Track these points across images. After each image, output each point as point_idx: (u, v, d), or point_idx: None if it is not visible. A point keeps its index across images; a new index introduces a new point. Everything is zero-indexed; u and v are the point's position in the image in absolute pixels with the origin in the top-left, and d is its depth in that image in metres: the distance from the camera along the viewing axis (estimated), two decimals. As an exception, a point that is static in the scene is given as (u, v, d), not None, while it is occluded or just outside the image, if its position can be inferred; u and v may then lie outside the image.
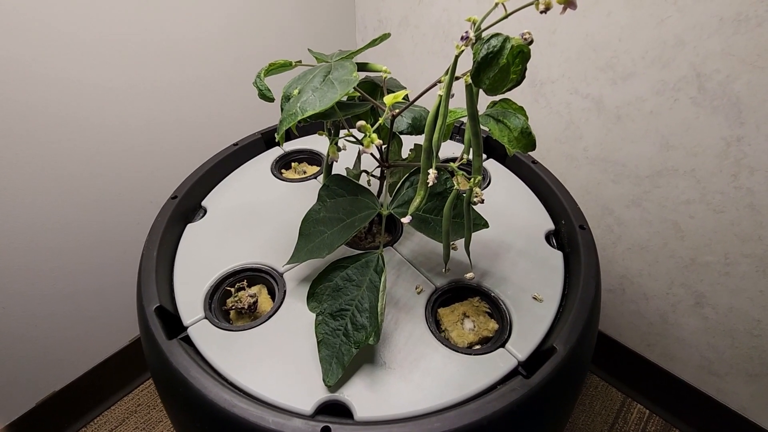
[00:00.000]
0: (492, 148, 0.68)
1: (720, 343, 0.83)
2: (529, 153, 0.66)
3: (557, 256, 0.52)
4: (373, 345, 0.42)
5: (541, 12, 0.25)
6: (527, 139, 0.35)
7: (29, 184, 0.70)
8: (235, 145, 0.65)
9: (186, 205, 0.57)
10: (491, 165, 0.66)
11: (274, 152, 0.68)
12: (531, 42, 0.33)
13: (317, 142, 0.70)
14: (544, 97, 0.83)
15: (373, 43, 0.41)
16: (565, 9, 0.24)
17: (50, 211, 0.74)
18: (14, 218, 0.71)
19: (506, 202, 0.59)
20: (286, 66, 0.42)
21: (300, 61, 0.41)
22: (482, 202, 0.35)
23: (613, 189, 0.82)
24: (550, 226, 0.56)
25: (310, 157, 0.68)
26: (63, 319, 0.85)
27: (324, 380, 0.39)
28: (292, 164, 0.67)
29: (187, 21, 0.77)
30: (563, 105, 0.81)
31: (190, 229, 0.55)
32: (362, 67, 0.43)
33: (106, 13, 0.67)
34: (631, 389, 1.02)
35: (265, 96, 0.41)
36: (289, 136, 0.71)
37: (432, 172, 0.33)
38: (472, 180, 0.36)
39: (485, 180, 0.63)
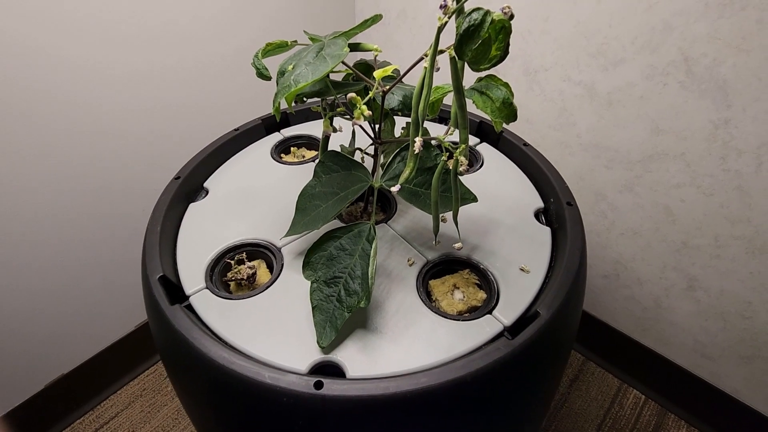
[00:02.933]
0: (485, 133, 0.70)
1: (712, 326, 0.84)
2: (521, 135, 0.68)
3: (545, 232, 0.53)
4: (365, 309, 0.44)
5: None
6: (508, 110, 0.36)
7: (32, 170, 0.72)
8: (236, 130, 0.68)
9: (189, 186, 0.59)
10: (484, 148, 0.68)
11: (274, 138, 0.70)
12: (512, 17, 0.34)
13: (316, 128, 0.72)
14: (538, 85, 0.84)
15: (365, 23, 0.43)
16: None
17: (54, 197, 0.77)
18: (21, 205, 0.73)
19: (497, 183, 0.61)
20: (282, 46, 0.44)
21: (296, 41, 0.43)
22: (467, 170, 0.37)
23: (606, 174, 0.84)
24: (539, 204, 0.58)
25: (309, 142, 0.71)
26: (71, 304, 0.87)
27: (318, 342, 0.41)
28: (292, 149, 0.69)
29: (188, 9, 0.79)
30: (557, 92, 0.82)
31: (193, 208, 0.58)
32: (355, 47, 0.45)
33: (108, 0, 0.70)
34: (626, 375, 1.03)
35: (263, 74, 0.44)
36: (287, 122, 0.73)
37: (418, 140, 0.35)
38: (458, 150, 0.38)
39: (478, 162, 0.65)
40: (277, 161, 0.66)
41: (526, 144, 0.64)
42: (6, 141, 0.68)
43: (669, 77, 0.68)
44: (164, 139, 0.87)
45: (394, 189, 0.40)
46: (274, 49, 0.44)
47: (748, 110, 0.63)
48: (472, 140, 0.69)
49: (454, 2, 0.31)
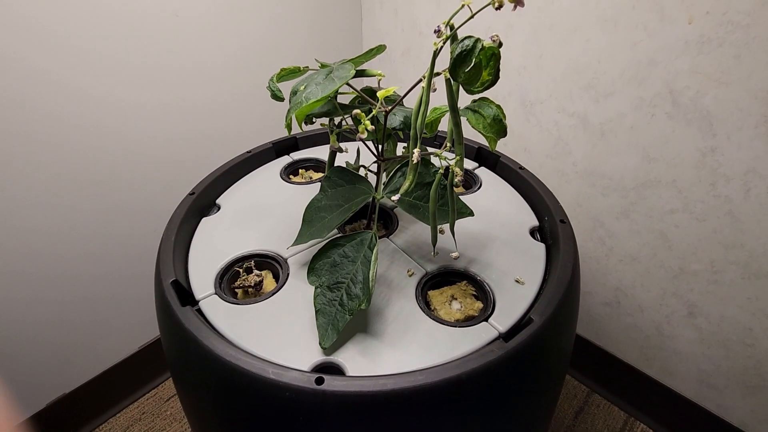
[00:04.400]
0: (483, 158, 0.73)
1: (715, 354, 0.84)
2: (516, 159, 0.71)
3: (540, 248, 0.56)
4: (366, 315, 0.46)
5: (496, 9, 0.31)
6: (498, 125, 0.40)
7: (57, 190, 0.77)
8: (248, 152, 0.72)
9: (202, 201, 0.63)
10: (482, 172, 0.71)
11: (284, 160, 0.75)
12: (500, 44, 0.39)
13: (323, 152, 0.77)
14: (534, 116, 0.89)
15: (370, 52, 0.48)
16: (515, 7, 0.31)
17: (72, 215, 0.81)
18: (42, 221, 0.77)
19: (495, 203, 0.64)
20: (295, 72, 0.49)
21: (307, 67, 0.48)
22: (462, 180, 0.40)
23: (602, 201, 0.87)
24: (535, 222, 0.60)
25: (316, 165, 0.75)
26: (76, 321, 0.89)
27: (320, 343, 0.43)
28: (300, 171, 0.73)
29: (211, 49, 0.86)
30: (552, 123, 0.87)
31: (205, 221, 0.61)
32: (361, 72, 0.49)
33: (140, 40, 0.77)
34: (633, 408, 1.01)
35: (276, 96, 0.48)
36: (297, 146, 0.78)
37: (416, 151, 0.39)
38: (453, 162, 0.41)
39: (476, 184, 0.68)
40: (286, 181, 0.69)
41: (521, 167, 0.67)
42: (30, 164, 0.73)
43: (656, 108, 0.72)
44: (181, 165, 0.92)
45: (394, 198, 0.43)
46: (287, 74, 0.49)
47: (732, 138, 0.67)
48: (471, 164, 0.73)
49: (448, 29, 0.35)
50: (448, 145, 0.43)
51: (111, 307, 0.93)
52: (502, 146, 0.97)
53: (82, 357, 0.93)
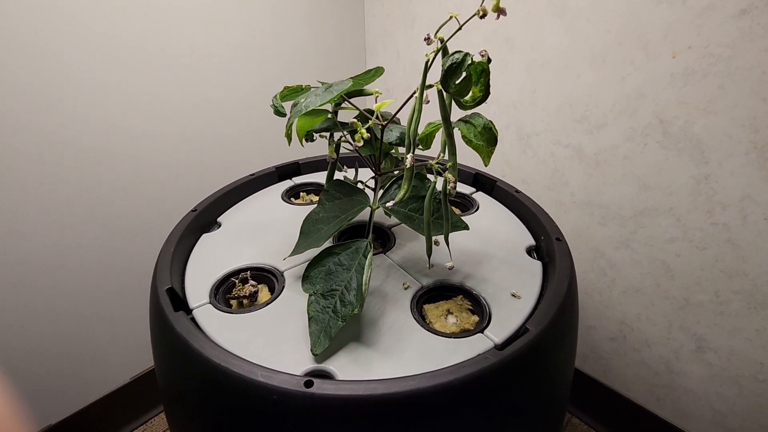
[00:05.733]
0: (480, 184, 0.75)
1: (728, 392, 0.80)
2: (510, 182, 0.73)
3: (536, 265, 0.56)
4: (359, 325, 0.45)
5: (480, 17, 0.33)
6: (489, 134, 0.42)
7: (67, 208, 0.79)
8: (251, 175, 0.74)
9: (203, 218, 0.64)
10: (480, 197, 0.73)
11: (286, 184, 0.77)
12: (489, 60, 0.41)
13: (324, 178, 0.79)
14: (531, 149, 0.92)
15: (368, 72, 0.51)
16: (498, 16, 0.33)
17: (82, 234, 0.82)
18: (49, 237, 0.79)
19: (491, 224, 0.64)
20: (297, 90, 0.52)
21: (309, 85, 0.51)
22: (455, 188, 0.42)
23: (601, 231, 0.87)
24: (531, 241, 0.60)
25: (317, 188, 0.77)
26: (65, 347, 0.87)
27: (312, 350, 0.42)
28: (301, 194, 0.75)
29: (225, 85, 0.92)
30: (548, 155, 0.89)
31: (205, 237, 0.62)
32: (360, 92, 0.52)
33: (155, 78, 0.82)
34: (646, 453, 0.95)
35: (279, 112, 0.51)
36: (299, 171, 0.80)
37: (410, 156, 0.40)
38: (447, 171, 0.43)
39: (473, 207, 0.69)
40: (287, 203, 0.71)
41: (517, 191, 0.69)
42: (51, 181, 0.76)
43: (648, 138, 0.75)
44: (189, 190, 0.94)
45: (389, 204, 0.44)
46: (290, 93, 0.52)
47: (724, 165, 0.68)
48: (469, 189, 0.74)
49: (438, 41, 0.38)
50: (442, 155, 0.45)
51: (100, 341, 0.92)
52: (501, 177, 0.99)
53: (70, 387, 0.90)
